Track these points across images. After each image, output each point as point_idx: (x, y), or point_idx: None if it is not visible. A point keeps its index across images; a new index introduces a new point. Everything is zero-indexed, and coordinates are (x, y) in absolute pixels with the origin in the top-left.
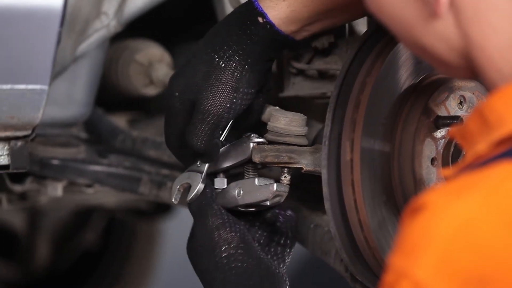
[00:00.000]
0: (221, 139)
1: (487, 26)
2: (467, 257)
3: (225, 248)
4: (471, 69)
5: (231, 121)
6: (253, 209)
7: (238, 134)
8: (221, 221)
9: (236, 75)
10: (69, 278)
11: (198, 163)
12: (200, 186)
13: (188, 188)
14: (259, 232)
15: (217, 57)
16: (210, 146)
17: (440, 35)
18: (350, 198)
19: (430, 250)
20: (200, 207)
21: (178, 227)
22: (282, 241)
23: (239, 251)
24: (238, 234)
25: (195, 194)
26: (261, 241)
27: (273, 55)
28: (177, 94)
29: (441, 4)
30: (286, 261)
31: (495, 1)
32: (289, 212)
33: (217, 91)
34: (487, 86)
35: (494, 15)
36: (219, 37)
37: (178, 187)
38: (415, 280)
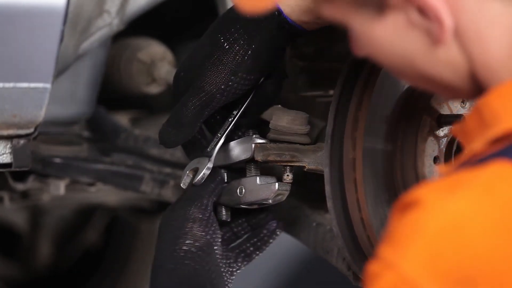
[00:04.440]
0: (229, 127)
1: (488, 42)
2: (454, 254)
3: (188, 243)
4: (477, 88)
5: (240, 111)
6: (256, 206)
7: (246, 122)
8: (200, 216)
9: (238, 58)
10: (71, 277)
11: (208, 149)
12: (206, 171)
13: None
14: (240, 221)
15: (222, 39)
16: (193, 121)
17: (446, 62)
18: (353, 196)
19: (418, 245)
20: (193, 193)
21: None
22: (261, 237)
23: (199, 252)
24: (208, 237)
25: (201, 177)
26: (239, 234)
27: (281, 44)
28: (182, 74)
29: (445, 31)
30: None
31: (494, 18)
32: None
33: (216, 70)
34: None
35: (494, 31)
36: (228, 19)
37: (187, 172)
38: (401, 272)
